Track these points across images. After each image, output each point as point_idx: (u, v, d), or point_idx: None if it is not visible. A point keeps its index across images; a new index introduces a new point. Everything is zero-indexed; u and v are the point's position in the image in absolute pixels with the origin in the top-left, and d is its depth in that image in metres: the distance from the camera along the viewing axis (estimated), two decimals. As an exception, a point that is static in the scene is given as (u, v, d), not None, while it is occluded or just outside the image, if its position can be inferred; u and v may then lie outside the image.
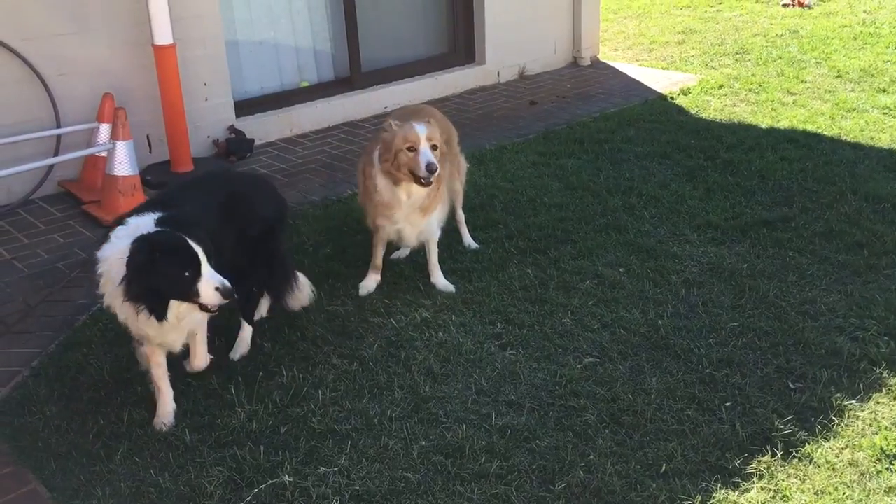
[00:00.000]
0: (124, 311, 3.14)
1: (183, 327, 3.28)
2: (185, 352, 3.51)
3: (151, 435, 3.32)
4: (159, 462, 3.17)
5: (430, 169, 3.82)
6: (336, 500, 2.94)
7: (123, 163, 5.31)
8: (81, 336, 3.99)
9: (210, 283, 3.03)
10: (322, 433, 3.29)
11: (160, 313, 3.06)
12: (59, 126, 5.67)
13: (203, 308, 3.09)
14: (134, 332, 3.28)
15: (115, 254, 3.07)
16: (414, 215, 4.11)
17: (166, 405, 3.40)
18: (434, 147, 3.90)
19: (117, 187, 5.29)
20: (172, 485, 3.04)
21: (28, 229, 5.29)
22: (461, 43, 8.34)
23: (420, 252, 4.51)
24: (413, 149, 3.87)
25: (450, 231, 4.55)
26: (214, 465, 3.13)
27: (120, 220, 3.24)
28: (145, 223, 3.12)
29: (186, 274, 3.00)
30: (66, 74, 5.71)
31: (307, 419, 3.37)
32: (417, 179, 3.90)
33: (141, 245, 2.99)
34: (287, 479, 3.04)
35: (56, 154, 5.68)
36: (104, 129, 5.62)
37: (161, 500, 2.98)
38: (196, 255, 3.01)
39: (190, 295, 3.05)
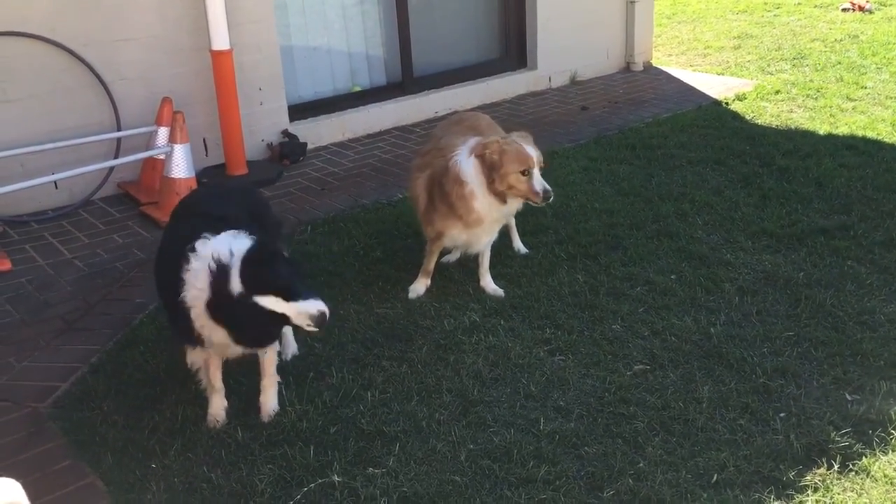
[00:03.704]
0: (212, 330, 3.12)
1: None
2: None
3: (204, 432, 3.38)
4: (212, 459, 3.22)
5: (546, 197, 3.88)
6: (384, 501, 2.96)
7: (181, 165, 5.43)
8: (138, 334, 4.09)
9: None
10: (371, 434, 3.32)
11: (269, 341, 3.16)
12: (119, 129, 5.82)
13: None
14: (207, 343, 3.22)
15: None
16: (495, 225, 4.16)
17: (219, 402, 3.46)
18: (541, 169, 3.94)
19: (175, 189, 5.40)
20: (224, 481, 3.09)
21: (88, 229, 5.44)
22: (513, 48, 8.34)
23: (469, 256, 4.52)
24: (526, 173, 3.88)
25: (499, 236, 4.54)
26: (265, 463, 3.17)
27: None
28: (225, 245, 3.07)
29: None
30: (127, 79, 5.86)
31: (356, 420, 3.39)
32: (525, 199, 3.97)
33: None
34: (336, 478, 3.07)
35: (116, 156, 5.83)
36: (163, 133, 5.75)
37: (213, 496, 3.03)
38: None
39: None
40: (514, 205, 4.08)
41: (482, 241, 4.24)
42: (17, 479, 2.08)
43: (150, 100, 5.90)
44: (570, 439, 3.25)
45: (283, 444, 3.27)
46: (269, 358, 3.43)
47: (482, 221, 4.08)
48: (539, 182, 3.89)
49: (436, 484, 3.03)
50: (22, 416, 3.54)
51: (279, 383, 3.53)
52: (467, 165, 3.97)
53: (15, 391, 3.71)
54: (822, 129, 6.66)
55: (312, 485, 3.05)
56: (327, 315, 2.97)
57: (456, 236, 4.20)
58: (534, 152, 3.91)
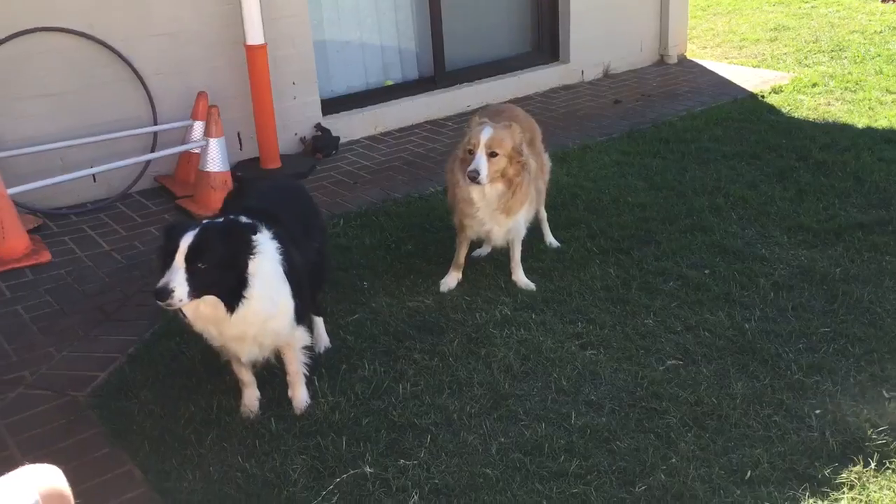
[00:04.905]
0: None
1: (247, 341, 3.23)
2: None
3: (239, 422, 3.42)
4: (246, 448, 3.26)
5: (470, 176, 3.86)
6: (415, 493, 2.98)
7: (215, 159, 5.49)
8: (174, 326, 4.12)
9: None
10: (402, 426, 3.33)
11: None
12: (156, 123, 5.91)
13: None
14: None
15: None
16: (499, 215, 4.11)
17: (251, 395, 3.50)
18: (493, 154, 3.89)
19: (209, 183, 5.48)
20: (258, 471, 3.13)
21: (126, 222, 5.53)
22: (545, 41, 8.31)
23: (501, 250, 4.52)
24: (472, 152, 3.90)
25: (531, 229, 4.54)
26: (298, 453, 3.21)
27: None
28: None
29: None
30: (163, 74, 5.94)
31: (388, 412, 3.42)
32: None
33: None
34: (368, 469, 3.09)
35: (153, 150, 5.91)
36: (198, 127, 5.83)
37: (248, 485, 3.07)
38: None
39: None
40: (488, 190, 3.99)
41: (497, 232, 4.22)
42: (58, 466, 2.12)
43: (186, 94, 5.97)
44: (602, 434, 3.24)
45: (316, 435, 3.30)
46: (289, 356, 3.45)
47: (471, 202, 4.08)
48: (475, 163, 3.85)
49: (467, 476, 3.05)
50: (62, 404, 3.61)
51: (310, 376, 3.55)
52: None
53: (55, 380, 3.79)
54: (861, 123, 6.55)
55: (345, 475, 3.07)
56: (165, 292, 2.84)
57: (474, 226, 4.22)
58: (484, 136, 3.87)
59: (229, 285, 3.01)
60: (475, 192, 4.03)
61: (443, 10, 7.48)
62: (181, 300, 2.88)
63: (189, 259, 2.88)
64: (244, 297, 3.03)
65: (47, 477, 2.04)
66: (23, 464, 2.07)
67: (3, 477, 1.97)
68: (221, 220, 3.11)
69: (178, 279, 2.86)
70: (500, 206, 4.07)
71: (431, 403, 3.46)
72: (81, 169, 5.45)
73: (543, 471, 3.06)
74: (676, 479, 2.99)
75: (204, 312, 3.06)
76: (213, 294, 2.99)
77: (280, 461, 3.17)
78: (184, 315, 3.10)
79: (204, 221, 3.05)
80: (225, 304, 3.02)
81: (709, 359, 3.68)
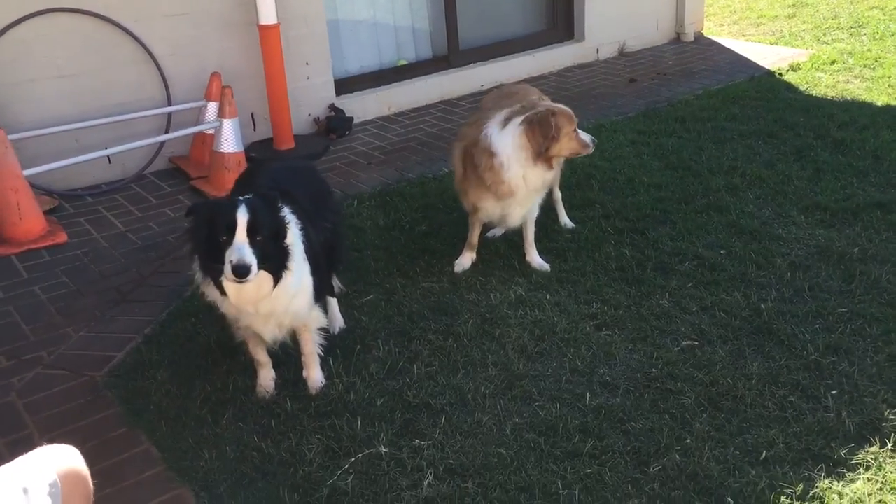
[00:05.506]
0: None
1: (272, 319, 3.26)
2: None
3: (254, 402, 3.44)
4: (262, 428, 3.29)
5: (595, 144, 4.08)
6: (430, 473, 2.99)
7: (229, 140, 5.50)
8: (190, 306, 4.16)
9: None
10: (417, 406, 3.34)
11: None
12: (169, 104, 5.91)
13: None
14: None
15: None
16: (530, 196, 4.12)
17: (266, 375, 3.53)
18: None
19: (224, 164, 5.48)
20: (274, 450, 3.15)
21: (141, 203, 5.55)
22: (560, 20, 8.23)
23: (515, 231, 4.50)
24: (576, 129, 4.01)
25: (546, 210, 4.53)
26: (314, 433, 3.23)
27: None
28: None
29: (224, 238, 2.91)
30: (177, 54, 5.93)
31: (403, 392, 3.43)
32: (576, 154, 4.13)
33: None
34: (383, 449, 3.11)
35: (167, 131, 5.92)
36: (212, 108, 5.83)
37: (264, 464, 3.10)
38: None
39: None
40: (553, 172, 4.12)
41: (516, 214, 4.21)
42: (76, 446, 2.14)
43: (200, 75, 5.96)
44: (617, 414, 3.24)
45: (332, 416, 3.31)
46: (305, 337, 3.46)
47: (514, 193, 4.05)
48: (585, 134, 4.04)
49: (481, 456, 3.05)
50: (79, 384, 3.64)
51: (325, 356, 3.56)
52: (498, 137, 3.96)
53: (72, 360, 3.83)
54: (880, 100, 6.47)
55: (360, 455, 3.09)
56: (245, 268, 2.86)
57: (490, 209, 4.19)
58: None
59: (279, 256, 3.05)
60: (533, 178, 4.01)
61: (456, -12, 7.43)
62: (254, 273, 2.91)
63: (248, 233, 2.91)
64: (287, 267, 3.08)
65: (65, 457, 2.06)
66: (41, 443, 2.10)
67: (21, 457, 1.99)
68: (252, 194, 3.09)
69: (247, 252, 2.88)
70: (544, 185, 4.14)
71: (446, 384, 3.47)
72: (96, 150, 5.47)
73: (558, 451, 3.06)
74: (691, 459, 2.99)
75: (247, 290, 3.05)
76: (266, 268, 3.01)
77: (296, 441, 3.19)
78: (224, 293, 3.09)
79: (240, 197, 3.03)
80: (273, 277, 3.05)
81: (724, 339, 3.67)
